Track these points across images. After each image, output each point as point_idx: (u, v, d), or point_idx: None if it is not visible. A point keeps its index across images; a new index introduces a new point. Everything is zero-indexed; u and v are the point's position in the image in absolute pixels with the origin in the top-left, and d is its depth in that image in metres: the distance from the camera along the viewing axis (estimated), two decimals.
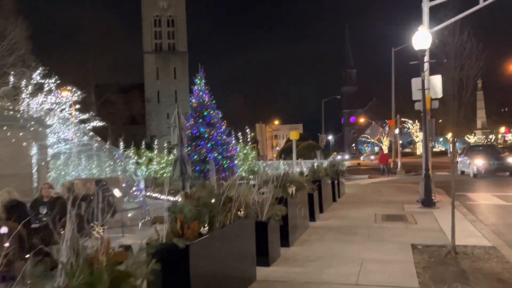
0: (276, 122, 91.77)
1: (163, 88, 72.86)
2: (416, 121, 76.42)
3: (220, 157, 15.68)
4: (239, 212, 5.25)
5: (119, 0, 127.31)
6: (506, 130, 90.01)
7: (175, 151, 13.97)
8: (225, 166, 15.75)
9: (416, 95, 13.16)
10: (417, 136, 79.13)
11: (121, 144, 27.57)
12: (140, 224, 10.89)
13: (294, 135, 23.80)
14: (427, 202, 11.69)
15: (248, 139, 23.82)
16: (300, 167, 22.07)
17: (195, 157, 15.57)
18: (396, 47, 34.55)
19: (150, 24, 75.24)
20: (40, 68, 22.04)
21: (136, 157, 25.77)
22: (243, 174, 21.86)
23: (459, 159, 24.70)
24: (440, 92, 12.95)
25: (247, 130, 23.62)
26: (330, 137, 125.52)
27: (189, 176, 13.87)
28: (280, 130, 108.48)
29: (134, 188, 17.39)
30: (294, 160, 24.18)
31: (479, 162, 21.98)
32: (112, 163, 22.88)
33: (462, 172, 24.52)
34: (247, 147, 23.13)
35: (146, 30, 75.13)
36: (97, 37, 50.47)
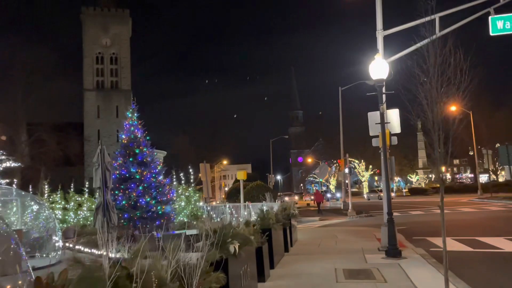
0: (225, 162, 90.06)
1: (104, 127, 69.18)
2: (362, 160, 77.74)
3: (153, 202, 13.49)
4: None
5: (58, 36, 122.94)
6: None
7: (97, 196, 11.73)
8: (160, 212, 13.54)
9: (373, 130, 11.95)
10: (363, 176, 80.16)
11: (46, 187, 24.47)
12: None
13: (241, 175, 22.04)
14: (392, 252, 10.17)
15: (191, 180, 21.70)
16: (248, 210, 20.27)
17: (124, 202, 13.28)
18: (342, 87, 34.61)
19: (91, 61, 72.28)
20: None
21: (63, 202, 22.80)
22: (185, 220, 19.61)
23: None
24: (398, 127, 11.83)
25: (190, 170, 21.53)
26: (278, 177, 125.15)
27: (114, 225, 11.57)
28: (229, 170, 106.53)
29: (46, 240, 14.62)
30: (241, 202, 22.31)
31: None
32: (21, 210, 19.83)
33: None
34: (189, 189, 20.98)
35: (87, 67, 71.99)
36: (30, 73, 46.83)
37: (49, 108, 51.75)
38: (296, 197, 63.22)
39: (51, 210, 21.33)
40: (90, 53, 72.31)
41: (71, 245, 16.13)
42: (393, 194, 36.56)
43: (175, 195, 15.68)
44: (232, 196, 30.50)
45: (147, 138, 14.64)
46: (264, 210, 10.03)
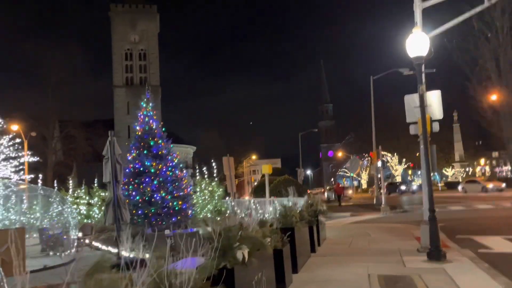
0: (254, 157, 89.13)
1: (134, 123, 69.42)
2: (395, 154, 75.05)
3: (169, 197, 12.54)
4: None
5: (88, 34, 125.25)
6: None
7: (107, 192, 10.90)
8: (176, 208, 12.58)
9: (410, 115, 10.54)
10: (396, 170, 77.43)
11: (71, 182, 24.17)
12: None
13: (266, 168, 20.94)
14: (435, 254, 8.80)
15: (215, 175, 20.76)
16: (274, 206, 19.12)
17: (137, 197, 12.41)
18: (374, 76, 32.86)
19: (121, 58, 72.75)
20: None
21: (87, 198, 22.37)
22: (208, 215, 18.69)
23: None
24: (440, 111, 10.36)
25: (213, 164, 20.59)
26: (308, 172, 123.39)
27: (126, 223, 10.69)
28: (258, 165, 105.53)
29: (64, 237, 13.99)
30: (267, 197, 21.19)
31: None
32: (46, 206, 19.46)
33: None
34: (212, 183, 20.06)
35: (116, 64, 72.54)
36: (60, 71, 47.33)
37: (79, 106, 52.35)
38: (326, 193, 61.05)
39: (73, 206, 20.98)
40: (119, 50, 72.79)
41: (88, 241, 15.52)
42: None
43: (192, 190, 14.71)
44: (259, 191, 29.41)
45: (163, 129, 13.73)
46: (287, 206, 8.86)
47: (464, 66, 31.79)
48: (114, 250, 11.65)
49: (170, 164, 13.14)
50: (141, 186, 12.52)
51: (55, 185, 24.93)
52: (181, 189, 13.10)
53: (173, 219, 12.37)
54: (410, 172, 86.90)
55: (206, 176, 20.42)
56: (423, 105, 9.23)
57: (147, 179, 12.53)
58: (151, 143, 12.97)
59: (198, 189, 19.98)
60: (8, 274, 10.05)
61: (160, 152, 13.01)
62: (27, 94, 45.22)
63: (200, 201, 19.61)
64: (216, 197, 20.12)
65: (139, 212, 12.26)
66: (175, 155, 13.92)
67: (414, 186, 58.36)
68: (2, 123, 20.07)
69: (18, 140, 22.53)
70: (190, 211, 13.74)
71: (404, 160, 75.34)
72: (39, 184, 24.99)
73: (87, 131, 45.82)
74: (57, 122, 51.73)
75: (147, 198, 12.42)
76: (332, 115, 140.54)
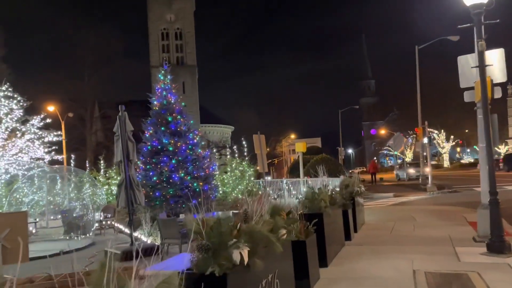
0: (293, 136, 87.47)
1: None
2: (442, 130, 71.12)
3: (188, 177, 11.48)
4: None
5: (125, 15, 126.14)
6: None
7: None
8: (197, 190, 11.51)
9: (465, 79, 8.81)
10: (443, 147, 73.52)
11: (102, 163, 23.83)
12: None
13: (300, 146, 19.57)
14: (498, 246, 7.22)
15: (245, 153, 19.63)
16: (308, 185, 17.80)
17: (154, 178, 11.44)
18: (419, 46, 30.29)
19: (157, 38, 72.45)
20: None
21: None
22: (239, 196, 17.65)
23: None
24: (503, 73, 8.55)
25: (244, 143, 19.43)
26: (350, 151, 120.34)
27: (140, 205, 9.74)
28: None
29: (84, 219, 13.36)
30: (301, 177, 19.87)
31: None
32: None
33: None
34: (243, 163, 18.95)
35: (153, 44, 72.32)
36: (97, 53, 47.55)
37: (117, 86, 52.72)
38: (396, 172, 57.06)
39: (105, 187, 20.57)
40: (155, 30, 72.42)
41: (110, 223, 14.89)
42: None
43: (223, 170, 13.58)
44: (295, 171, 28.08)
45: (183, 104, 12.62)
46: (313, 188, 7.52)
47: None
48: (135, 234, 10.84)
49: (190, 142, 12.05)
50: (158, 166, 11.55)
51: (87, 165, 24.74)
52: (202, 169, 12.02)
53: (194, 201, 11.32)
54: (458, 149, 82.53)
55: (236, 155, 19.35)
56: (482, 65, 7.52)
57: (164, 158, 11.53)
58: (169, 119, 11.91)
59: (229, 169, 19.00)
60: (9, 261, 8.64)
61: (178, 129, 11.93)
62: (64, 76, 45.71)
63: (231, 182, 18.62)
64: (247, 177, 19.02)
65: (157, 194, 11.32)
66: (197, 132, 12.82)
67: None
68: (25, 101, 19.83)
69: (48, 121, 22.25)
70: (213, 193, 12.65)
71: (452, 137, 71.29)
72: (72, 165, 24.89)
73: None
74: (96, 103, 52.28)
75: (164, 179, 11.45)
76: (374, 91, 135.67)
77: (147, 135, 12.15)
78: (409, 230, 10.57)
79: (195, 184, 11.60)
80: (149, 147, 11.83)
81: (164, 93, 12.41)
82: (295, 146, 20.27)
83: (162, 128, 11.85)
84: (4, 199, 17.74)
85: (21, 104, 19.25)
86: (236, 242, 3.61)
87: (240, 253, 3.60)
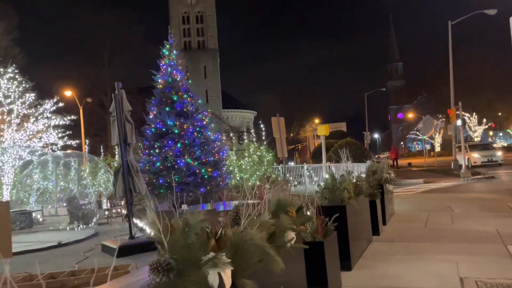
0: (317, 121, 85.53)
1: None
2: (474, 113, 67.92)
3: (196, 163, 10.35)
4: None
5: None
6: None
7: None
8: (206, 176, 10.38)
9: None
10: (475, 131, 70.30)
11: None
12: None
13: (322, 130, 18.20)
14: None
15: (263, 137, 18.43)
16: (331, 173, 16.51)
17: (158, 164, 10.38)
18: (452, 21, 28.14)
19: (178, 22, 71.49)
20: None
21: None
22: (257, 183, 16.56)
23: None
24: None
25: (261, 126, 18.22)
26: (376, 135, 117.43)
27: (140, 194, 8.71)
28: None
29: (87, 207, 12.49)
30: (323, 163, 18.54)
31: None
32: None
33: None
34: (261, 148, 17.78)
35: (174, 28, 71.37)
36: (117, 37, 46.93)
37: (138, 72, 52.08)
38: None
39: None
40: (176, 13, 71.48)
41: (120, 211, 14.04)
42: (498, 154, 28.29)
43: (226, 155, 12.42)
44: (318, 156, 26.72)
45: (189, 81, 11.45)
46: (333, 176, 6.26)
47: None
48: (141, 225, 9.88)
49: (198, 123, 10.90)
50: (163, 150, 10.48)
51: (101, 150, 24.07)
52: (211, 154, 10.88)
53: (202, 189, 10.26)
54: (491, 133, 78.98)
55: (254, 139, 18.18)
56: None
57: (169, 142, 10.44)
58: (174, 98, 10.78)
59: (246, 154, 17.90)
60: None
61: (185, 109, 10.79)
62: (84, 62, 45.33)
63: (248, 168, 17.51)
64: (266, 163, 17.86)
65: (161, 181, 10.28)
66: (206, 113, 11.66)
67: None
68: (28, 82, 19.22)
69: (61, 105, 21.62)
70: (224, 180, 11.49)
71: (484, 120, 68.01)
72: (86, 151, 24.28)
73: (143, 96, 45.33)
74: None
75: (169, 165, 10.37)
76: (401, 74, 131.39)
77: (150, 117, 11.11)
78: (447, 222, 9.19)
79: (203, 170, 10.48)
80: (153, 129, 10.78)
81: (169, 69, 11.27)
82: (318, 129, 18.91)
83: (167, 109, 10.75)
84: (19, 185, 17.20)
85: (23, 85, 18.53)
86: (213, 258, 2.43)
87: (219, 273, 2.43)
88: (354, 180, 7.27)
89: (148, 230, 10.21)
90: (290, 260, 3.46)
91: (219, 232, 2.65)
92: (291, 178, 17.61)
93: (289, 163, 20.81)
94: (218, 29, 72.95)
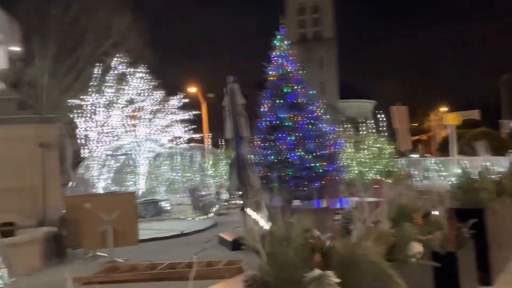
0: (444, 109, 78.55)
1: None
2: None
3: (309, 156, 9.93)
4: None
5: None
6: None
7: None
8: (320, 171, 9.91)
9: None
10: None
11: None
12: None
13: (451, 118, 16.40)
14: None
15: (384, 128, 17.29)
16: (462, 168, 14.79)
17: (272, 157, 10.21)
18: None
19: (294, 13, 71.43)
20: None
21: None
22: (379, 178, 15.58)
23: None
24: None
25: (381, 116, 17.11)
26: None
27: (253, 188, 8.68)
28: None
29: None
30: (453, 156, 16.68)
31: None
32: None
33: None
34: (381, 139, 16.70)
35: (290, 20, 71.51)
36: (238, 33, 48.73)
37: (254, 66, 53.55)
38: None
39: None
40: (293, 5, 71.48)
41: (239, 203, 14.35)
42: None
43: (341, 148, 11.72)
44: (445, 148, 24.29)
45: (301, 72, 11.03)
46: (469, 172, 5.32)
47: None
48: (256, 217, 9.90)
49: (311, 115, 10.46)
50: (276, 144, 10.31)
51: (222, 143, 25.10)
52: (325, 147, 10.36)
53: (316, 184, 9.83)
54: None
55: (373, 130, 17.16)
56: None
57: (282, 135, 10.21)
58: (286, 90, 10.50)
59: (365, 147, 16.99)
60: (120, 244, 7.73)
61: (297, 101, 10.44)
62: (207, 58, 48.00)
63: (367, 161, 16.58)
64: (387, 155, 16.72)
65: (274, 175, 10.12)
66: (319, 104, 11.16)
67: None
68: (154, 81, 20.91)
69: (186, 100, 23.16)
70: (340, 175, 10.86)
71: None
72: (209, 144, 25.60)
73: (259, 90, 46.46)
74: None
75: (282, 158, 10.15)
76: None
77: (263, 110, 11.03)
78: None
79: (317, 165, 10.06)
80: (266, 122, 10.68)
81: (280, 61, 11.02)
82: (445, 118, 17.06)
83: (279, 101, 10.54)
84: (153, 176, 18.81)
85: (150, 83, 20.12)
86: (318, 277, 2.03)
87: None
88: (494, 177, 6.18)
89: (263, 223, 9.99)
90: (414, 277, 2.89)
91: (326, 244, 2.22)
92: (415, 172, 16.20)
93: (412, 156, 19.20)
94: (334, 16, 71.12)
